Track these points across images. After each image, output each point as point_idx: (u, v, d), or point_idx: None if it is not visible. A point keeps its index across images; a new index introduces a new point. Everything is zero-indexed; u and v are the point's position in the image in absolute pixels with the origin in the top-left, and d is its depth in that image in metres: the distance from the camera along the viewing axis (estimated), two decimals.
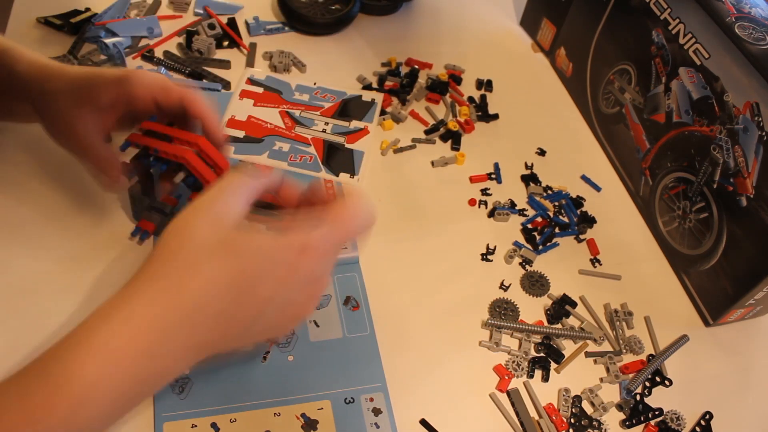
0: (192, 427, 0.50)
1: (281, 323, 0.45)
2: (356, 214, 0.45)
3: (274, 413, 0.52)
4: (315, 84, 0.78)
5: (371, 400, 0.54)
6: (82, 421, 0.36)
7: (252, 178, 0.45)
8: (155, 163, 0.55)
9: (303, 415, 0.52)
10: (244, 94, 0.75)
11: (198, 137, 0.54)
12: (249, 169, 0.46)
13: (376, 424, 0.52)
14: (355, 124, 0.74)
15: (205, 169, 0.54)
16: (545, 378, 0.57)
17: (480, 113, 0.78)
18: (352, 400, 0.53)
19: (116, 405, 0.38)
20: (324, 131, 0.73)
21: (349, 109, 0.76)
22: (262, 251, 0.40)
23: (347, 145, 0.72)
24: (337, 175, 0.69)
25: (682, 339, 0.62)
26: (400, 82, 0.80)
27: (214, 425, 0.51)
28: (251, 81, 0.76)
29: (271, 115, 0.73)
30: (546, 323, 0.61)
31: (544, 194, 0.71)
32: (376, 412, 0.53)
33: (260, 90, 0.76)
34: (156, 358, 0.38)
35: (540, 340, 0.60)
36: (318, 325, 0.57)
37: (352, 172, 0.69)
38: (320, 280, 0.45)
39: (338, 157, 0.70)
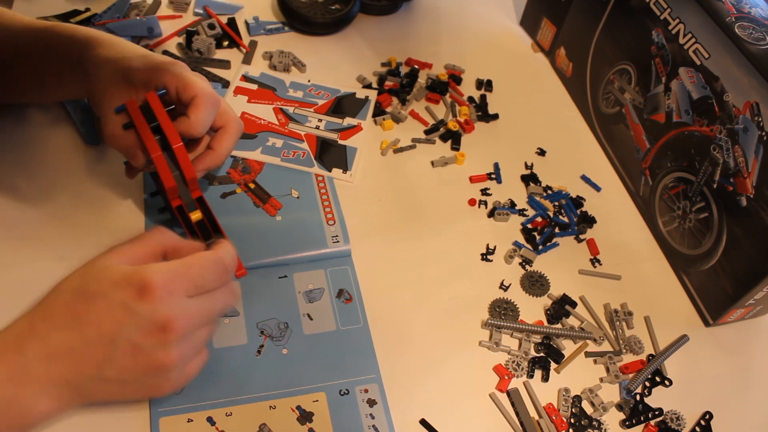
0: (188, 421, 0.51)
1: (137, 373, 0.44)
2: (207, 259, 0.46)
3: (270, 406, 0.52)
4: (309, 81, 0.78)
5: (366, 391, 0.54)
6: None
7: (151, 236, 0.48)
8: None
9: (298, 407, 0.52)
10: (238, 90, 0.75)
11: (177, 137, 0.52)
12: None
13: (371, 415, 0.52)
14: (348, 120, 0.74)
15: (167, 175, 0.53)
16: (545, 378, 0.57)
17: (480, 113, 0.78)
18: (347, 392, 0.53)
19: None
20: (317, 128, 0.73)
21: (342, 106, 0.76)
22: (104, 296, 0.43)
23: (340, 142, 0.72)
24: (330, 171, 0.69)
25: (682, 339, 0.62)
26: (400, 82, 0.80)
27: (209, 419, 0.51)
28: (246, 78, 0.76)
29: (264, 112, 0.73)
30: (546, 323, 0.61)
31: (544, 194, 0.71)
32: (371, 403, 0.53)
33: (254, 87, 0.76)
34: (26, 382, 0.43)
35: (540, 340, 0.60)
36: (311, 318, 0.57)
37: (345, 168, 0.69)
38: (169, 326, 0.43)
39: (331, 153, 0.70)
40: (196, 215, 0.56)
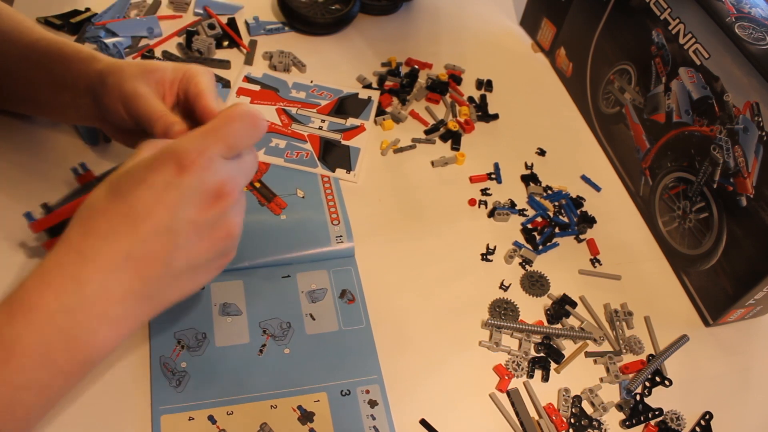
0: (189, 419, 0.51)
1: (207, 253, 0.42)
2: (232, 117, 0.42)
3: (271, 405, 0.52)
4: (312, 82, 0.78)
5: (367, 392, 0.54)
6: (11, 390, 0.37)
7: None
8: None
9: (299, 407, 0.52)
10: (241, 91, 0.75)
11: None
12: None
13: (372, 416, 0.52)
14: (351, 121, 0.74)
15: None
16: (545, 378, 0.57)
17: (480, 113, 0.78)
18: (348, 392, 0.54)
19: (45, 366, 0.38)
20: (320, 128, 0.73)
21: (345, 106, 0.76)
22: (142, 183, 0.39)
23: (343, 142, 0.72)
24: (333, 171, 0.69)
25: (682, 339, 0.62)
26: (400, 82, 0.80)
27: (211, 418, 0.51)
28: (248, 79, 0.76)
29: (267, 113, 0.73)
30: (546, 323, 0.61)
31: (544, 194, 0.71)
32: (372, 404, 0.53)
33: (257, 88, 0.76)
34: (76, 316, 0.38)
35: (540, 340, 0.60)
36: (314, 318, 0.57)
37: (349, 168, 0.69)
38: (223, 190, 0.41)
39: (334, 154, 0.71)
40: None
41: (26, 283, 0.38)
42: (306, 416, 0.52)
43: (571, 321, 0.62)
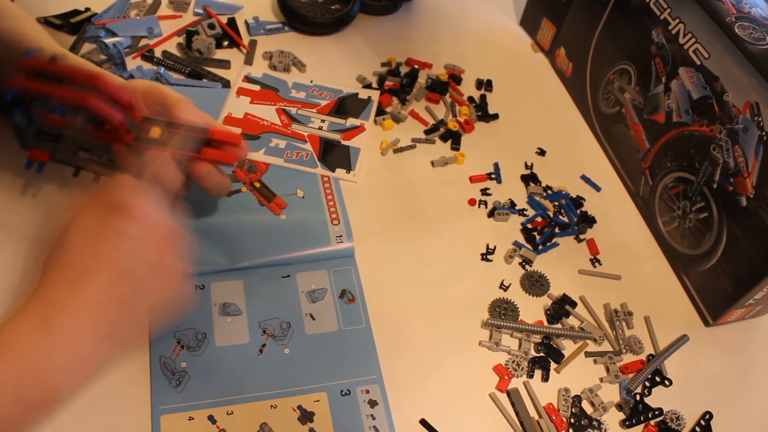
0: (189, 419, 0.51)
1: (157, 282, 0.45)
2: (150, 157, 0.48)
3: (271, 405, 0.52)
4: (311, 82, 0.78)
5: (367, 392, 0.54)
6: None
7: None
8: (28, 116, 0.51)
9: (299, 407, 0.52)
10: (241, 91, 0.75)
11: (92, 74, 0.50)
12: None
13: (372, 415, 0.52)
14: (351, 121, 0.74)
15: (109, 111, 0.50)
16: (545, 378, 0.57)
17: (480, 113, 0.78)
18: (348, 392, 0.54)
19: (18, 403, 0.39)
20: (320, 128, 0.73)
21: (345, 106, 0.76)
22: (84, 227, 0.43)
23: (343, 142, 0.72)
24: (333, 171, 0.69)
25: (682, 339, 0.62)
26: (399, 82, 0.80)
27: (210, 417, 0.51)
28: (248, 79, 0.76)
29: (267, 113, 0.73)
30: (546, 323, 0.61)
31: (544, 194, 0.71)
32: (372, 403, 0.53)
33: (257, 88, 0.76)
34: (47, 353, 0.40)
35: (540, 340, 0.60)
36: (314, 318, 0.57)
37: (348, 168, 0.69)
38: (161, 228, 0.45)
39: (334, 154, 0.71)
40: (155, 131, 0.52)
41: (3, 325, 0.40)
42: (306, 416, 0.52)
43: (571, 321, 0.62)
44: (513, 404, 0.55)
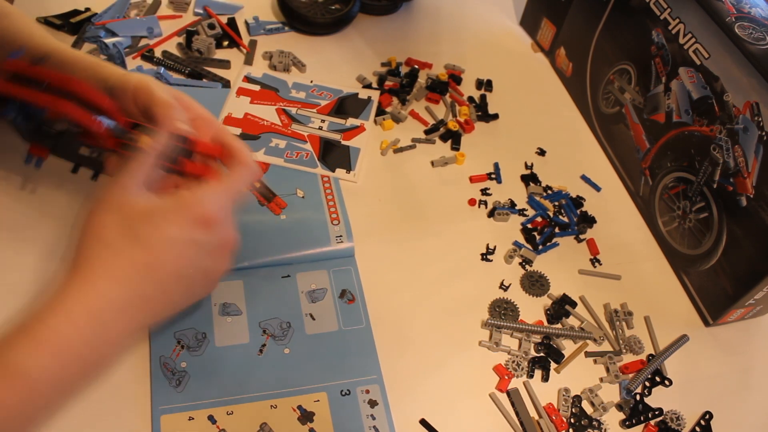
0: (189, 419, 0.51)
1: (204, 288, 0.48)
2: (240, 173, 0.48)
3: (271, 405, 0.52)
4: (311, 82, 0.78)
5: (367, 392, 0.54)
6: (32, 410, 0.39)
7: (145, 153, 0.46)
8: (23, 114, 0.50)
9: (299, 407, 0.52)
10: (241, 91, 0.75)
11: (71, 79, 0.48)
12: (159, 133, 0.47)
13: (372, 415, 0.52)
14: (351, 121, 0.74)
15: (87, 118, 0.48)
16: (545, 378, 0.57)
17: (480, 113, 0.78)
18: (348, 392, 0.54)
19: (63, 394, 0.41)
20: (320, 128, 0.73)
21: (345, 106, 0.76)
22: (165, 235, 0.43)
23: (343, 142, 0.72)
24: (333, 171, 0.69)
25: (682, 339, 0.62)
26: (399, 82, 0.80)
27: (210, 417, 0.51)
28: (248, 79, 0.76)
29: (267, 113, 0.73)
30: (546, 323, 0.61)
31: (544, 194, 0.71)
32: (372, 403, 0.53)
33: (257, 88, 0.76)
34: (95, 348, 0.41)
35: (540, 340, 0.60)
36: (314, 318, 0.57)
37: (348, 168, 0.69)
38: (230, 242, 0.47)
39: (334, 154, 0.71)
40: (144, 139, 0.49)
41: (50, 320, 0.40)
42: (306, 416, 0.52)
43: (571, 321, 0.62)
44: (513, 404, 0.55)
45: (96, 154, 0.54)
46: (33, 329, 0.40)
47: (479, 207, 0.69)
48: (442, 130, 0.76)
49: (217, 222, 0.45)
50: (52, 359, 0.39)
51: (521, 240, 0.67)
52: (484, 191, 0.71)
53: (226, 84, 0.76)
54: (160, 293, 0.44)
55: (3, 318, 0.54)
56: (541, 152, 0.76)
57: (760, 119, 0.55)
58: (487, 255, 0.65)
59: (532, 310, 0.62)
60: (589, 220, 0.69)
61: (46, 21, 0.77)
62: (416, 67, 0.82)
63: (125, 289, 0.42)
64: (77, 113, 0.48)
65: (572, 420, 0.55)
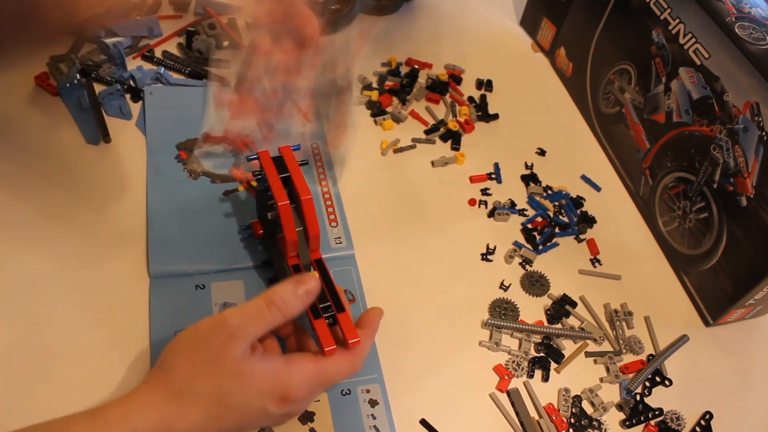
0: None
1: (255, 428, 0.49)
2: (343, 366, 0.47)
3: None
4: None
5: (367, 391, 0.54)
6: None
7: (278, 313, 0.45)
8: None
9: None
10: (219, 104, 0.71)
11: (307, 195, 0.51)
12: None
13: (372, 415, 0.52)
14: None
15: (290, 227, 0.51)
16: (545, 378, 0.57)
17: (480, 113, 0.78)
18: (348, 392, 0.53)
19: None
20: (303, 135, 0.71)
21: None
22: (245, 401, 0.43)
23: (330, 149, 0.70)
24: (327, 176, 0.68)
25: (682, 339, 0.62)
26: (400, 82, 0.80)
27: None
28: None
29: (247, 125, 0.71)
30: (546, 323, 0.61)
31: (544, 194, 0.71)
32: (373, 403, 0.53)
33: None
34: None
35: (540, 340, 0.60)
36: None
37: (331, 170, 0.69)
38: (296, 413, 0.49)
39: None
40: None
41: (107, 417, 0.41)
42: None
43: (571, 321, 0.62)
44: (513, 404, 0.55)
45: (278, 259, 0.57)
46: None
47: (479, 207, 0.69)
48: (442, 130, 0.76)
49: (295, 402, 0.45)
50: None
51: (521, 240, 0.67)
52: (484, 191, 0.71)
53: (227, 84, 0.76)
54: None
55: (3, 318, 0.54)
56: (541, 152, 0.76)
57: (760, 119, 0.55)
58: (487, 255, 0.65)
59: (532, 310, 0.62)
60: (589, 220, 0.69)
61: None
62: (416, 67, 0.82)
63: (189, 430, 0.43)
64: (286, 214, 0.51)
65: (572, 420, 0.55)
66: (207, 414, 0.43)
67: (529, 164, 0.74)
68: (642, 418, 0.56)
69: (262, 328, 0.45)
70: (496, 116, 0.79)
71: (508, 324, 0.59)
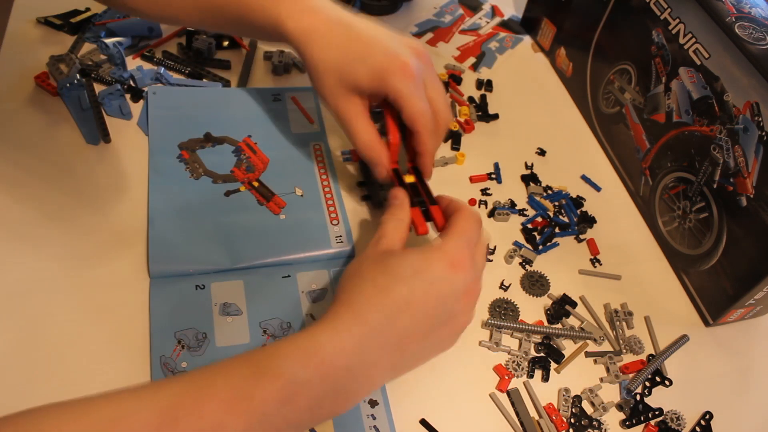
0: None
1: (447, 339, 0.49)
2: (472, 225, 0.51)
3: None
4: None
5: None
6: (280, 420, 0.40)
7: (403, 218, 0.53)
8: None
9: None
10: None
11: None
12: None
13: (372, 415, 0.52)
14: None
15: (395, 135, 0.60)
16: (545, 378, 0.57)
17: (480, 113, 0.78)
18: None
19: (311, 411, 0.42)
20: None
21: None
22: (424, 275, 0.46)
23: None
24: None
25: (682, 339, 0.62)
26: None
27: None
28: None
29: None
30: (546, 323, 0.61)
31: (544, 194, 0.71)
32: (373, 403, 0.53)
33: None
34: (353, 376, 0.43)
35: (540, 340, 0.60)
36: (314, 318, 0.57)
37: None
38: (475, 290, 0.50)
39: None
40: (409, 178, 0.59)
41: (320, 337, 0.43)
42: None
43: (571, 321, 0.62)
44: (513, 404, 0.55)
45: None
46: (303, 343, 0.43)
47: (479, 207, 0.69)
48: None
49: (465, 267, 0.47)
50: (315, 372, 0.41)
51: (521, 240, 0.67)
52: (484, 191, 0.71)
53: (227, 84, 0.76)
54: (415, 330, 0.46)
55: (3, 318, 0.54)
56: (541, 152, 0.76)
57: (760, 119, 0.55)
58: (487, 255, 0.65)
59: (532, 310, 0.62)
60: (589, 220, 0.69)
61: (46, 21, 0.77)
62: None
63: (388, 320, 0.45)
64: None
65: (572, 420, 0.55)
66: (395, 299, 0.45)
67: (529, 164, 0.74)
68: (642, 418, 0.56)
69: (400, 234, 0.52)
70: (496, 116, 0.79)
71: (508, 324, 0.59)
